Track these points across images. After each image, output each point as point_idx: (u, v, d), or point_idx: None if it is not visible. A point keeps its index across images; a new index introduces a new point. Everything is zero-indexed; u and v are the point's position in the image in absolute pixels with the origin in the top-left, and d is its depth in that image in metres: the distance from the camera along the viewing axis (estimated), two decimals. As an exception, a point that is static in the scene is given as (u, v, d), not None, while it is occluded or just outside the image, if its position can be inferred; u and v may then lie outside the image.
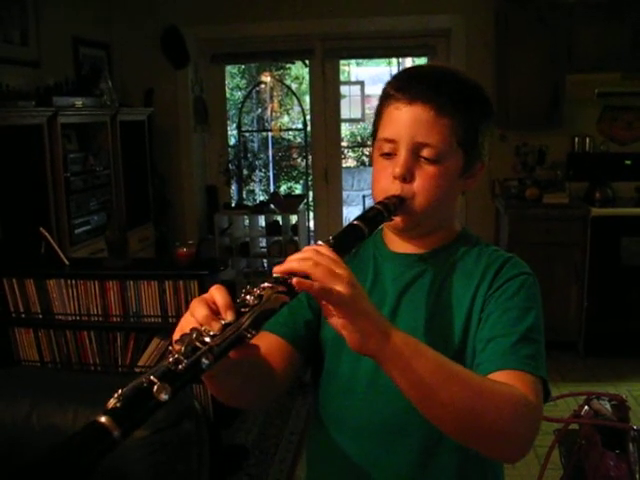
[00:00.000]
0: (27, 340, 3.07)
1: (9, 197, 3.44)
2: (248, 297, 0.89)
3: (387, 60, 8.69)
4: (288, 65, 7.14)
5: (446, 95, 1.13)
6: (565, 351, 4.56)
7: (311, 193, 5.92)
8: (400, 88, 1.16)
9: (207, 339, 0.82)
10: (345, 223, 5.85)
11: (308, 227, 5.99)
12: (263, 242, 5.87)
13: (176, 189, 5.52)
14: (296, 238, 5.53)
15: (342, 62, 5.90)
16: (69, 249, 3.86)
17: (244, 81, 7.61)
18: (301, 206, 5.65)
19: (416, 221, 1.19)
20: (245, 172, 6.36)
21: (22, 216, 3.52)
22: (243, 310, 0.87)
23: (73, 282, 2.95)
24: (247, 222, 5.78)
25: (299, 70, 7.35)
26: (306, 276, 0.91)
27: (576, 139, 5.03)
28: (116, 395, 0.73)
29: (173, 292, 2.85)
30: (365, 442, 1.20)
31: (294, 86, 7.63)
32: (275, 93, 7.55)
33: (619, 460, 1.81)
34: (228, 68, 6.21)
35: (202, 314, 0.87)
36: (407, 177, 1.15)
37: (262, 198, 6.08)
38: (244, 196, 6.37)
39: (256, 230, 5.78)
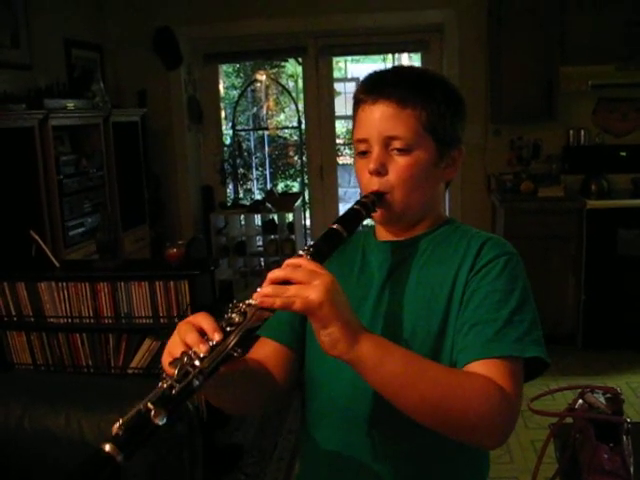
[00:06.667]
0: (20, 343, 3.07)
1: (1, 201, 3.43)
2: (234, 315, 0.98)
3: (383, 56, 8.67)
4: (283, 63, 7.12)
5: (405, 88, 1.21)
6: (563, 344, 4.54)
7: (307, 191, 5.91)
8: (365, 91, 1.25)
9: (197, 362, 0.91)
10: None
11: (304, 225, 5.98)
12: (259, 241, 5.87)
13: (171, 189, 5.51)
14: (292, 236, 5.53)
15: (338, 59, 5.90)
16: (63, 251, 3.85)
17: (239, 80, 7.59)
18: (297, 204, 5.64)
19: (397, 213, 1.25)
20: (241, 171, 6.35)
21: (15, 220, 3.51)
22: (229, 329, 0.96)
23: (64, 284, 2.94)
24: (243, 221, 5.78)
25: (294, 68, 7.33)
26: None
27: (571, 132, 5.01)
28: (118, 423, 0.83)
29: (164, 292, 2.85)
30: (348, 435, 1.22)
31: (290, 84, 7.61)
32: (270, 91, 7.53)
33: (613, 453, 1.79)
34: (223, 67, 6.20)
35: (191, 337, 0.96)
36: (381, 171, 1.22)
37: (259, 197, 6.08)
38: (242, 195, 6.36)
39: (252, 229, 5.78)
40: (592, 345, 4.58)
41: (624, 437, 1.78)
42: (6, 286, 3.01)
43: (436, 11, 5.04)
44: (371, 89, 1.24)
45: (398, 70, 1.33)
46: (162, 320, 2.88)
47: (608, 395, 1.84)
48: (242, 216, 5.73)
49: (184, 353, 0.93)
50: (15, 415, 2.03)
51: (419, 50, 5.42)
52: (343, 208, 5.88)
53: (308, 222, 5.97)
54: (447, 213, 5.03)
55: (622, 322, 4.55)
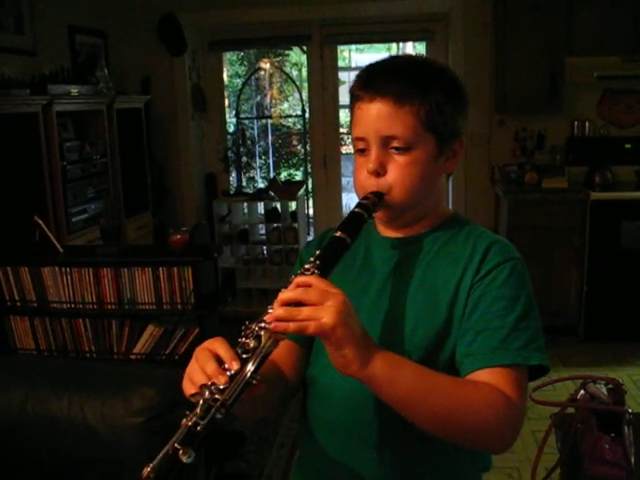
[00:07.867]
0: (23, 328, 3.08)
1: (5, 186, 3.43)
2: (248, 340, 0.99)
3: (387, 45, 8.62)
4: (287, 52, 7.09)
5: (402, 83, 1.17)
6: (565, 335, 4.54)
7: (310, 180, 5.91)
8: (361, 87, 1.20)
9: (217, 395, 0.94)
10: (344, 210, 5.85)
11: (307, 214, 5.97)
12: (262, 229, 5.86)
13: (174, 177, 5.52)
14: (295, 225, 5.52)
15: (342, 48, 5.87)
16: (66, 237, 3.85)
17: (243, 68, 7.56)
18: (300, 192, 5.64)
19: (398, 212, 1.23)
20: (244, 159, 6.34)
21: (18, 205, 3.51)
22: (245, 356, 0.98)
23: (67, 270, 2.95)
24: (246, 209, 5.77)
25: (298, 57, 7.30)
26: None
27: (575, 123, 5.00)
28: (149, 467, 0.87)
29: (167, 278, 2.85)
30: (346, 443, 1.22)
31: (294, 73, 7.58)
32: (274, 80, 7.50)
33: (614, 443, 1.79)
34: (227, 55, 6.18)
35: (210, 367, 0.98)
36: (380, 171, 1.19)
37: (262, 185, 6.07)
38: (245, 183, 6.36)
39: (255, 217, 5.78)
40: (594, 336, 4.58)
41: (625, 428, 1.77)
42: (10, 271, 3.02)
43: (442, 0, 5.02)
44: (367, 85, 1.19)
45: (395, 62, 1.26)
46: (165, 306, 2.89)
47: (610, 386, 1.84)
48: (245, 204, 5.73)
49: (204, 386, 0.95)
50: (18, 400, 2.03)
51: (424, 39, 5.39)
52: (346, 197, 5.88)
53: (311, 211, 5.97)
54: (450, 204, 5.03)
55: (624, 314, 4.55)
